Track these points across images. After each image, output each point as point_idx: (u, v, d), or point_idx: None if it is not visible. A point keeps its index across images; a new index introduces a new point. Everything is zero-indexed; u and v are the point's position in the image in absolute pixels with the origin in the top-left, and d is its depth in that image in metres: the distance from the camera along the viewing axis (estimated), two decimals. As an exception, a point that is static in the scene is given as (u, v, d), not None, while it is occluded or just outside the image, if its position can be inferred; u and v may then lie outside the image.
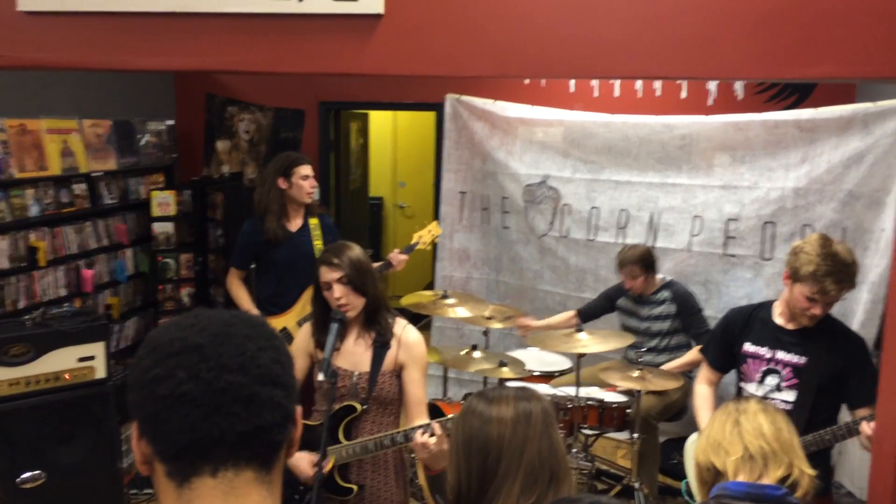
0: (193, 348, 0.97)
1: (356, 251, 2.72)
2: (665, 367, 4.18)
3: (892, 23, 1.92)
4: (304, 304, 4.15)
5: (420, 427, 2.53)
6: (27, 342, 3.36)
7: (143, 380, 0.98)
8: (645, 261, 4.34)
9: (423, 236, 4.38)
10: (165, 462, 0.98)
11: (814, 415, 2.84)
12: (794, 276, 2.84)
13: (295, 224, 4.24)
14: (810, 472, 1.85)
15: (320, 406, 2.79)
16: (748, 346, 3.02)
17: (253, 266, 4.29)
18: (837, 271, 2.75)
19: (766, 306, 3.08)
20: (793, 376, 2.90)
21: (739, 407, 1.95)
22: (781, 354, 2.93)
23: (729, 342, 3.11)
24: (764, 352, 2.98)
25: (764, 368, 2.96)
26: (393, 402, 2.76)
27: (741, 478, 1.82)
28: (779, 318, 2.99)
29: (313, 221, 4.28)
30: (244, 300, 4.26)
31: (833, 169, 4.28)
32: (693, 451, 3.28)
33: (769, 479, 1.80)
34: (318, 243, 4.23)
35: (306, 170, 4.18)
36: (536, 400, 1.72)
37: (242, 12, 2.11)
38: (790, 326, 2.95)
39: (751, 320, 3.06)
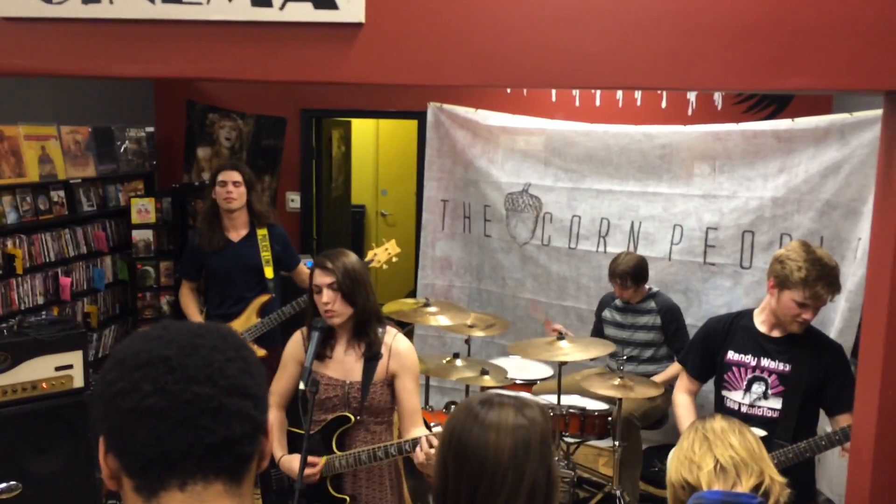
0: (160, 360, 0.96)
1: (352, 259, 2.72)
2: (654, 379, 4.20)
3: (867, 36, 1.95)
4: (249, 315, 4.12)
5: (413, 440, 2.53)
6: (4, 350, 3.33)
7: (108, 393, 0.96)
8: (637, 273, 4.36)
9: (379, 254, 4.11)
10: (132, 477, 0.96)
11: (798, 422, 2.87)
12: (781, 284, 2.87)
13: (238, 234, 4.17)
14: (780, 479, 1.88)
15: (314, 415, 2.77)
16: (732, 355, 3.04)
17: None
18: (826, 275, 2.81)
19: (746, 314, 3.10)
20: (779, 384, 2.92)
21: (705, 424, 1.98)
22: (766, 362, 2.96)
23: (710, 352, 3.13)
24: (748, 360, 3.00)
25: (749, 376, 2.98)
26: (385, 412, 2.76)
27: (716, 488, 1.83)
28: (761, 326, 3.01)
29: (261, 232, 4.20)
30: (190, 310, 4.27)
31: (810, 179, 4.33)
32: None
33: (743, 489, 1.82)
34: (265, 254, 4.16)
35: (223, 175, 4.11)
36: (534, 411, 1.63)
37: (223, 20, 2.10)
38: (774, 334, 2.97)
39: (732, 329, 3.08)
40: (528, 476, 1.57)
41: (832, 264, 2.86)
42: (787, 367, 2.91)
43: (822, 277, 2.80)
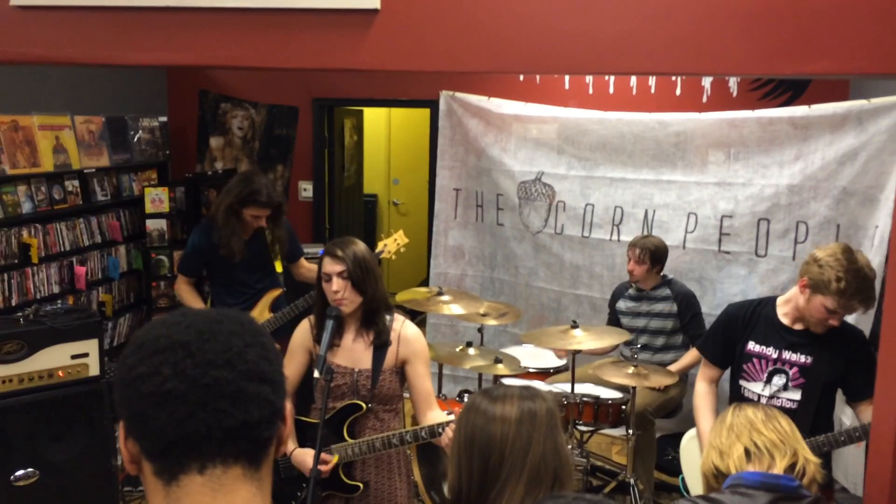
0: (179, 345, 0.96)
1: (361, 247, 2.72)
2: (670, 368, 4.19)
3: (887, 19, 1.92)
4: (261, 310, 4.12)
5: (430, 428, 2.56)
6: (20, 339, 3.34)
7: (128, 378, 0.97)
8: (657, 253, 4.36)
9: (389, 245, 4.11)
10: (152, 460, 0.97)
11: (816, 412, 2.85)
12: (816, 287, 2.78)
13: (248, 232, 4.13)
14: (815, 459, 1.90)
15: (320, 403, 2.78)
16: (753, 346, 3.00)
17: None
18: (866, 288, 2.72)
19: (769, 303, 3.04)
20: (799, 376, 2.89)
21: (727, 419, 1.99)
22: (788, 354, 2.91)
23: (731, 339, 3.08)
24: (770, 352, 2.95)
25: (770, 369, 2.95)
26: (393, 399, 2.76)
27: (752, 469, 1.84)
28: (784, 318, 2.95)
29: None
30: (195, 305, 4.20)
31: (827, 166, 4.29)
32: (690, 447, 3.29)
33: (778, 469, 1.84)
34: (276, 248, 4.17)
35: (257, 212, 4.00)
36: (542, 399, 1.68)
37: (237, 7, 2.09)
38: (796, 327, 2.92)
39: (754, 317, 3.02)
40: (535, 446, 1.59)
41: (872, 276, 2.76)
42: (809, 360, 2.87)
43: (861, 291, 2.71)
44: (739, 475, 1.83)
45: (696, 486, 3.11)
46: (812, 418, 2.83)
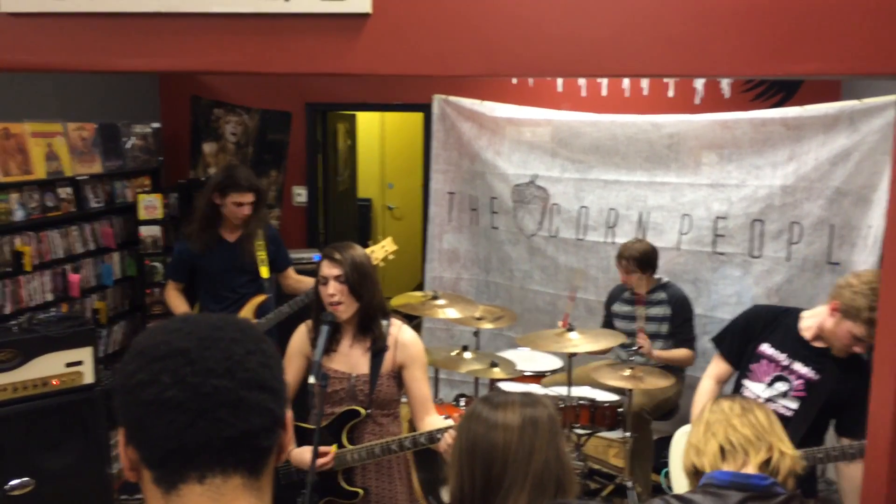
0: (179, 352, 0.95)
1: (360, 252, 2.72)
2: (655, 352, 4.19)
3: (878, 19, 1.93)
4: (245, 316, 4.04)
5: (429, 434, 2.55)
6: (14, 348, 3.33)
7: (128, 385, 0.96)
8: (643, 259, 4.32)
9: (376, 252, 3.99)
10: (152, 468, 0.96)
11: (809, 428, 2.85)
12: (846, 313, 2.75)
13: (234, 234, 4.09)
14: (791, 452, 1.91)
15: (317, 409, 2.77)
16: (766, 347, 3.00)
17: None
18: None
19: (793, 314, 3.03)
20: (802, 389, 2.89)
21: (703, 415, 2.02)
22: (798, 366, 2.92)
23: (747, 337, 3.08)
24: (782, 358, 2.95)
25: (776, 373, 2.94)
26: (391, 404, 2.76)
27: (726, 468, 1.87)
28: (805, 332, 2.95)
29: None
30: (181, 310, 4.16)
31: (820, 166, 4.30)
32: (680, 444, 3.29)
33: (752, 466, 1.86)
34: (261, 254, 4.10)
35: (239, 198, 3.95)
36: (542, 406, 1.67)
37: (228, 12, 2.09)
38: (816, 344, 2.91)
39: (775, 323, 3.02)
40: (538, 454, 1.58)
41: None
42: (817, 377, 2.88)
43: None
44: (711, 475, 1.86)
45: (680, 481, 3.11)
46: (804, 432, 2.82)
